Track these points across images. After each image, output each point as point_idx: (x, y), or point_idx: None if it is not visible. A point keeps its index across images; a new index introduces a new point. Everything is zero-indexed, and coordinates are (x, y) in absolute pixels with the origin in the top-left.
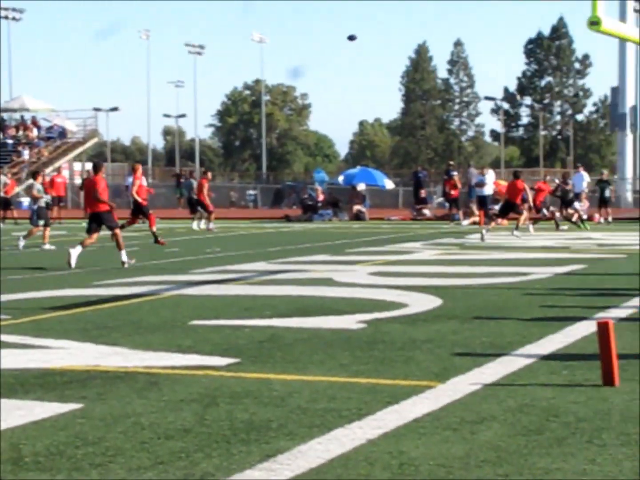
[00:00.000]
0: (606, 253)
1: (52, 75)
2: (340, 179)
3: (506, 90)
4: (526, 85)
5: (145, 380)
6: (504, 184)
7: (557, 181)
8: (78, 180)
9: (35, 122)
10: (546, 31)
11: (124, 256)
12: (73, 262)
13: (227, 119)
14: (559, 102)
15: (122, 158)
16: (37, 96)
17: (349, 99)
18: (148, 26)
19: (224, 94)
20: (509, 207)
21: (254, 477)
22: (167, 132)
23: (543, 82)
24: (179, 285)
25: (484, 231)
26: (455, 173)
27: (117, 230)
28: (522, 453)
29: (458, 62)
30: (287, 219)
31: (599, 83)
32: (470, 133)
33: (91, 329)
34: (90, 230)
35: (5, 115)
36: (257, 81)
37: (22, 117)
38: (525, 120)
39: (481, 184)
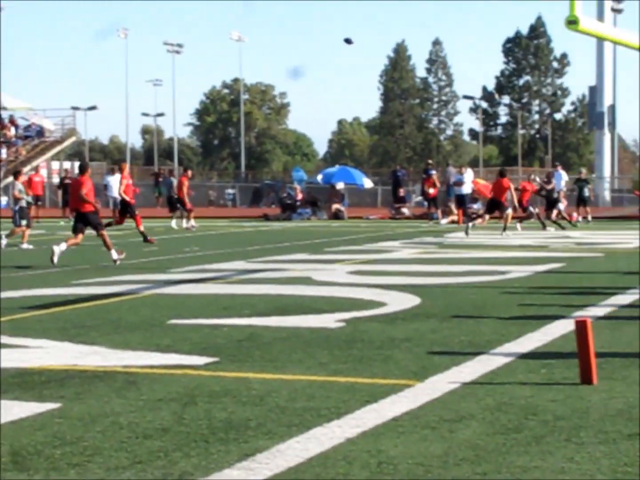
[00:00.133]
0: (585, 252)
1: (30, 73)
2: (319, 177)
3: (485, 89)
4: (504, 84)
5: (123, 380)
6: (482, 182)
7: (538, 180)
8: (56, 180)
9: (12, 121)
10: (524, 30)
11: (114, 254)
12: (56, 259)
13: (206, 118)
14: (537, 101)
15: (101, 157)
16: (14, 95)
17: (327, 97)
18: (126, 25)
19: (202, 93)
20: (495, 206)
21: (232, 476)
22: (145, 131)
23: (521, 81)
24: (158, 284)
25: (470, 224)
26: (434, 172)
27: (103, 231)
28: (501, 451)
29: (437, 61)
30: (266, 217)
31: (577, 82)
32: (449, 132)
33: (69, 328)
34: (76, 230)
35: None
36: (236, 80)
37: None
38: (503, 119)
39: (460, 183)
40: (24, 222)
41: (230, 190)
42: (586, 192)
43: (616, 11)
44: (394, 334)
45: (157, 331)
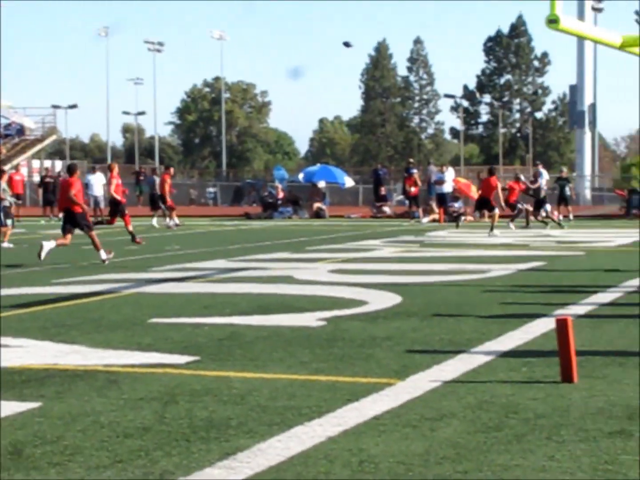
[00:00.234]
0: (565, 250)
1: (10, 71)
2: (300, 176)
3: (466, 88)
4: (485, 83)
5: (104, 379)
6: (463, 181)
7: (523, 179)
8: (37, 178)
9: None
10: (505, 29)
11: (103, 254)
12: (43, 255)
13: (187, 117)
14: (518, 100)
15: (81, 156)
16: None
17: (309, 96)
18: (107, 23)
19: (183, 92)
20: (483, 204)
21: (213, 475)
22: (126, 130)
23: (502, 80)
24: (139, 283)
25: (462, 217)
26: (415, 171)
27: (92, 232)
28: (482, 450)
29: (418, 59)
30: (247, 216)
31: (557, 81)
32: (430, 131)
33: (50, 327)
34: (64, 231)
35: None
36: (217, 78)
37: None
38: (484, 118)
39: (440, 182)
40: (9, 222)
41: (211, 189)
42: (567, 191)
43: (596, 10)
44: (375, 333)
45: (138, 330)
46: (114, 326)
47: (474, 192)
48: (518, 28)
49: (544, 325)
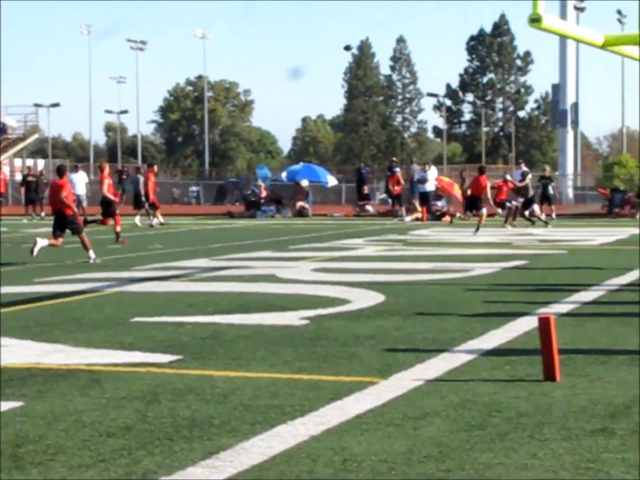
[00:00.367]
0: (548, 249)
1: None
2: (283, 175)
3: (448, 87)
4: (468, 82)
5: (87, 378)
6: (446, 180)
7: (509, 178)
8: (19, 177)
9: None
10: (488, 28)
11: (91, 254)
12: (36, 251)
13: (170, 115)
14: (500, 99)
15: (64, 154)
16: None
17: (291, 95)
18: (89, 21)
19: (166, 90)
20: (473, 203)
21: (196, 475)
22: (109, 128)
23: (485, 79)
24: (121, 282)
25: (458, 214)
26: (398, 169)
27: (83, 234)
28: (465, 448)
29: (401, 58)
30: (230, 215)
31: (540, 80)
32: (413, 129)
33: (32, 326)
34: (55, 233)
35: None
36: (200, 77)
37: None
38: (467, 116)
39: (423, 181)
40: None
41: (194, 188)
42: (550, 190)
43: (579, 9)
44: (358, 332)
45: (120, 329)
46: (97, 325)
47: (457, 191)
48: (501, 27)
49: (527, 323)
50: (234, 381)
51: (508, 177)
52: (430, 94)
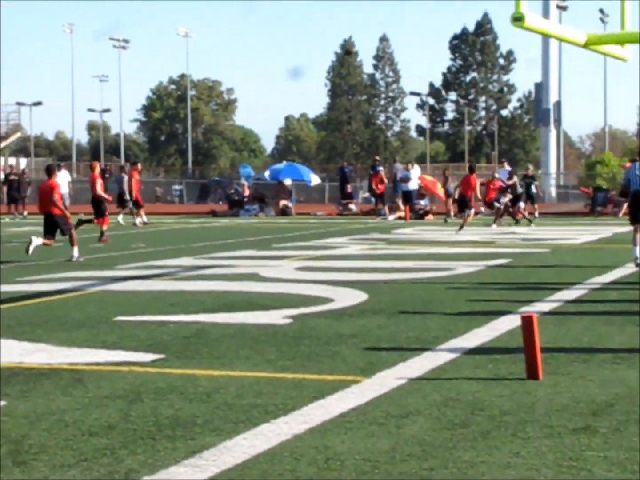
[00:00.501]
0: (531, 247)
1: None
2: (267, 174)
3: (431, 85)
4: (451, 80)
5: (69, 377)
6: (429, 179)
7: (497, 176)
8: (1, 176)
9: None
10: (471, 27)
11: (75, 252)
12: (31, 250)
13: (153, 114)
14: (483, 98)
15: (46, 153)
16: None
17: (275, 93)
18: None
19: (149, 89)
20: (462, 201)
21: (179, 474)
22: (91, 127)
23: (468, 78)
24: (104, 281)
25: (452, 213)
26: (381, 168)
27: (73, 231)
28: (448, 447)
29: (384, 57)
30: (213, 214)
31: (523, 79)
32: (396, 128)
33: (15, 325)
34: (46, 234)
35: None
36: (183, 76)
37: None
38: (450, 115)
39: (406, 179)
40: None
41: (177, 187)
42: (533, 189)
43: (561, 8)
44: (341, 330)
45: (103, 328)
46: (79, 324)
47: (440, 190)
48: (483, 26)
49: (510, 322)
50: (217, 380)
51: (497, 175)
52: (413, 93)
